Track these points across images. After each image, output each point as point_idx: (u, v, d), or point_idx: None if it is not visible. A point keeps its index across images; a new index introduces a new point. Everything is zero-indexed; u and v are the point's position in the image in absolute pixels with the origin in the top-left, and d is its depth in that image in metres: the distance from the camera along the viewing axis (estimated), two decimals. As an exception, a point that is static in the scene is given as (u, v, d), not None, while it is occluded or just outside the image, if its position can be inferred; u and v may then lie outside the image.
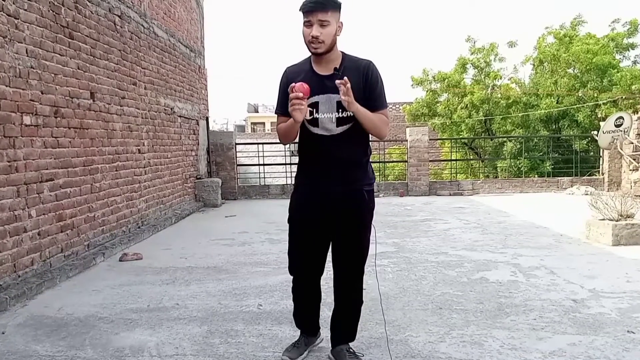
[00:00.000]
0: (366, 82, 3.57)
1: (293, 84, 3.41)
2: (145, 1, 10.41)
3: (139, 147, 9.74)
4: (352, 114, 3.50)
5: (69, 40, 7.28)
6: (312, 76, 3.58)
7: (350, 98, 3.38)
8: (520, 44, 25.27)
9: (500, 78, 25.51)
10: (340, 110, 3.54)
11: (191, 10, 14.06)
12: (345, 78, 3.35)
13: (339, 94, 3.44)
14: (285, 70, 3.75)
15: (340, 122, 3.56)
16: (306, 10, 3.44)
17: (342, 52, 3.65)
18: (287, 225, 3.94)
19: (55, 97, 6.90)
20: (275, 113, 3.81)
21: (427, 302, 5.36)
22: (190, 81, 13.54)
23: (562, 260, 7.00)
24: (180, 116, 12.35)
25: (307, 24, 3.45)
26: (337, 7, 3.49)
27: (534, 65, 25.62)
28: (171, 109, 11.71)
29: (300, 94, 3.37)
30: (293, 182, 4.00)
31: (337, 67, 3.56)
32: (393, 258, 7.29)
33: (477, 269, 6.63)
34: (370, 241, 3.82)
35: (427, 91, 27.38)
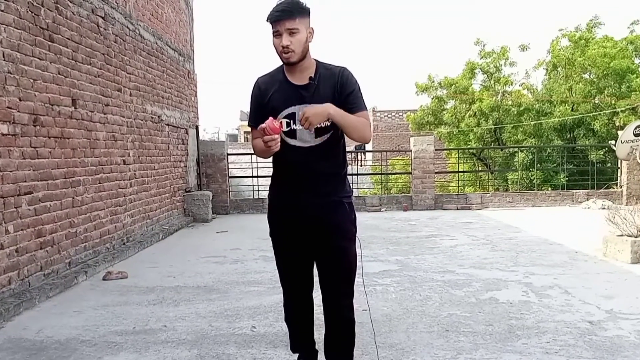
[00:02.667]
0: (341, 88, 3.64)
1: (263, 125, 3.44)
2: (131, 1, 10.47)
3: (123, 158, 9.77)
4: (330, 123, 3.57)
5: (49, 43, 7.33)
6: (286, 87, 3.65)
7: (313, 119, 3.45)
8: (533, 47, 25.33)
9: (511, 84, 25.61)
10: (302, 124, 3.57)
11: (180, 11, 14.13)
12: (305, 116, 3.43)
13: (315, 103, 3.53)
14: (257, 81, 3.79)
15: (318, 132, 3.62)
16: (273, 20, 3.50)
17: (315, 60, 3.71)
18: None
19: (34, 104, 6.93)
20: (249, 125, 3.85)
21: (432, 324, 5.38)
22: (179, 87, 13.60)
23: (577, 279, 7.02)
24: (168, 125, 12.39)
25: (276, 34, 3.51)
26: (306, 13, 3.55)
27: (547, 70, 25.72)
28: (158, 117, 11.75)
29: (276, 136, 3.43)
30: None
31: (312, 76, 3.64)
32: (396, 277, 7.31)
33: (486, 288, 6.65)
34: (358, 257, 3.86)
35: (432, 98, 27.47)
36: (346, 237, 3.76)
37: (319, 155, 3.64)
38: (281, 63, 3.69)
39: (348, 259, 3.78)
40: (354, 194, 3.93)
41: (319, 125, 3.58)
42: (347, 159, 3.93)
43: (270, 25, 3.53)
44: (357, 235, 3.83)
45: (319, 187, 3.69)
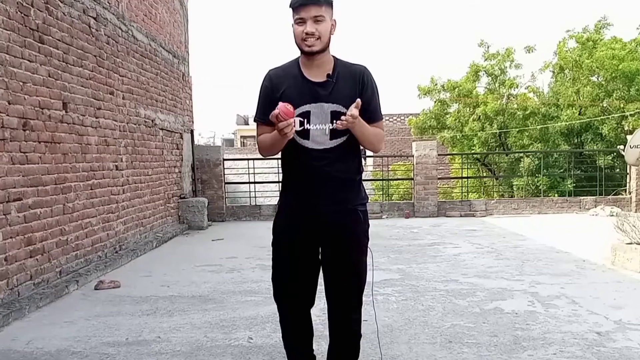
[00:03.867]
0: (363, 91, 3.57)
1: (275, 112, 3.34)
2: (124, 2, 10.49)
3: (116, 163, 9.78)
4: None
5: (39, 44, 7.34)
6: (302, 82, 3.57)
7: (356, 122, 3.42)
8: (539, 49, 25.24)
9: (517, 87, 25.59)
10: (334, 121, 3.50)
11: (174, 11, 14.16)
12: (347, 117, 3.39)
13: (333, 102, 3.49)
14: (269, 74, 3.69)
15: (334, 134, 3.55)
16: (298, 4, 3.44)
17: (333, 56, 3.65)
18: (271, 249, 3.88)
19: (24, 108, 6.94)
20: (255, 121, 3.75)
21: (435, 334, 5.39)
22: (173, 90, 13.63)
23: (584, 288, 7.04)
24: (162, 129, 12.40)
25: (299, 22, 3.45)
26: (330, 4, 3.51)
27: (553, 72, 25.72)
28: (152, 120, 11.77)
29: (291, 120, 3.35)
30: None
31: (330, 73, 3.57)
32: (398, 286, 7.31)
33: (491, 298, 6.66)
34: (368, 266, 3.80)
35: (435, 101, 27.45)
36: (360, 251, 3.72)
37: (333, 159, 3.56)
38: (295, 57, 3.65)
39: (359, 273, 3.75)
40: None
41: (335, 127, 3.51)
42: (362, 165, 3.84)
43: (292, 12, 3.48)
44: (369, 246, 3.79)
45: (333, 194, 3.61)
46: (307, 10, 3.42)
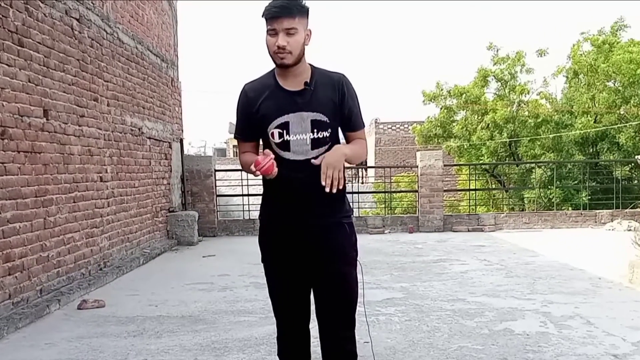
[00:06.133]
0: (343, 100, 3.66)
1: (257, 166, 3.43)
2: (109, 2, 10.51)
3: (100, 175, 9.79)
4: (328, 134, 3.60)
5: (18, 47, 7.35)
6: (279, 92, 3.62)
7: (338, 167, 3.50)
8: (552, 53, 25.16)
9: (528, 93, 25.60)
10: (315, 131, 3.58)
11: (162, 12, 14.20)
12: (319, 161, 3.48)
13: (312, 111, 3.56)
14: (244, 88, 3.74)
15: (315, 143, 3.60)
16: (270, 16, 3.48)
17: (310, 64, 3.70)
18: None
19: (2, 116, 6.95)
20: (236, 138, 3.82)
21: (441, 357, 5.40)
22: (162, 96, 13.66)
23: (600, 308, 7.05)
24: (149, 138, 12.43)
25: (272, 33, 3.49)
26: (305, 13, 3.55)
27: (567, 77, 25.72)
28: (139, 129, 11.78)
29: (272, 172, 3.45)
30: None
31: (308, 81, 3.62)
32: (401, 305, 7.32)
33: (501, 318, 6.67)
34: (359, 283, 3.81)
35: (441, 108, 27.46)
36: (346, 262, 3.72)
37: (315, 170, 3.55)
38: (272, 67, 3.68)
39: (348, 286, 3.74)
40: (354, 214, 3.89)
41: (316, 136, 3.57)
42: (347, 176, 3.91)
43: (265, 22, 3.51)
44: (358, 259, 3.80)
45: (316, 207, 3.63)
46: (280, 22, 3.46)
